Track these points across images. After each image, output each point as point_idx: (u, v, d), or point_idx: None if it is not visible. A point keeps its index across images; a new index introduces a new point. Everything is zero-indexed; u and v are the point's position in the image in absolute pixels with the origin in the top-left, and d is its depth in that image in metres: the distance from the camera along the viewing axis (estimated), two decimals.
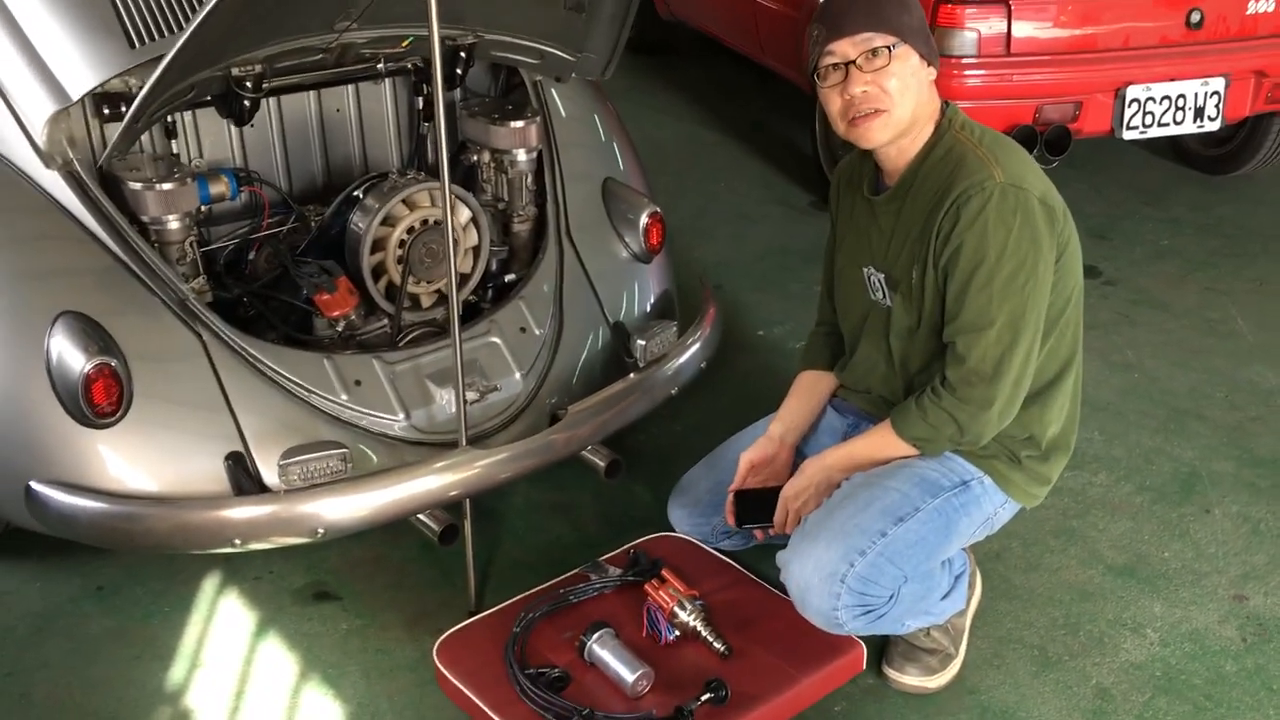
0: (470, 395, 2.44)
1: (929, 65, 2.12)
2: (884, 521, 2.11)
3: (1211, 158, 4.92)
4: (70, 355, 2.19)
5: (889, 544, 2.10)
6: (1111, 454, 3.03)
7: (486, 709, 2.13)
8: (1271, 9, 4.09)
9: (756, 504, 2.34)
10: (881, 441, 2.21)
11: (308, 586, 2.57)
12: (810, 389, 2.47)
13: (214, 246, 2.69)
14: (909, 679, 2.26)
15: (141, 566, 2.60)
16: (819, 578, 2.10)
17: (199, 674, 2.34)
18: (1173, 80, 4.01)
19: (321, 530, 2.20)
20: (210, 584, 2.58)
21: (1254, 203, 4.71)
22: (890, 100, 2.08)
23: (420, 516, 2.37)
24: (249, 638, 2.43)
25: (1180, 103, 4.06)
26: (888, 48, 2.06)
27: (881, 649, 2.31)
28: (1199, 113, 4.10)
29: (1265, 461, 3.01)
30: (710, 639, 2.24)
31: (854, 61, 2.07)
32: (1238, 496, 2.87)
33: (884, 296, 2.25)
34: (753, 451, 2.38)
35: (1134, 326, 3.72)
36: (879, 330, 2.28)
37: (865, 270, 2.29)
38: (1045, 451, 2.25)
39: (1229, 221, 4.53)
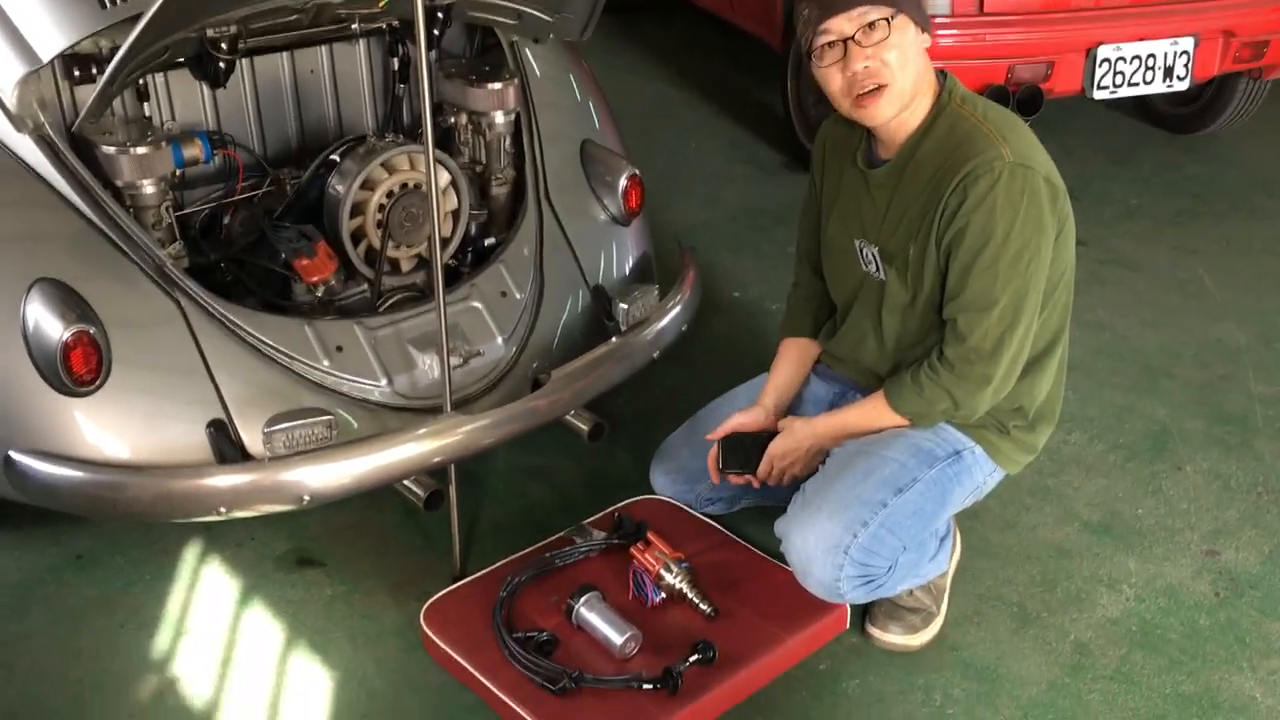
0: (453, 360, 2.42)
1: (923, 32, 2.09)
2: (884, 492, 2.13)
3: (1179, 117, 4.96)
4: (47, 323, 2.15)
5: (890, 515, 2.12)
6: (1085, 413, 3.07)
7: (476, 673, 2.14)
8: None
9: (740, 450, 2.35)
10: (874, 413, 2.22)
11: (290, 553, 2.56)
12: (798, 358, 2.46)
13: (188, 211, 2.64)
14: (892, 637, 2.29)
15: (120, 535, 2.58)
16: (822, 549, 2.11)
17: (184, 642, 2.33)
18: (1143, 40, 4.03)
19: (308, 497, 2.19)
20: (191, 552, 2.56)
21: (1221, 162, 4.76)
22: (892, 73, 2.05)
23: (405, 482, 2.37)
24: (233, 605, 2.42)
25: (1150, 62, 4.08)
26: (886, 19, 2.02)
27: (864, 608, 2.34)
28: (1168, 72, 4.12)
29: (1234, 419, 3.06)
30: (696, 601, 2.26)
31: (852, 37, 2.03)
32: (1208, 453, 2.92)
33: (877, 270, 2.24)
34: (746, 416, 2.38)
35: (1104, 286, 3.76)
36: (872, 304, 2.27)
37: (856, 242, 2.27)
38: (1032, 421, 2.27)
39: (1196, 180, 4.58)
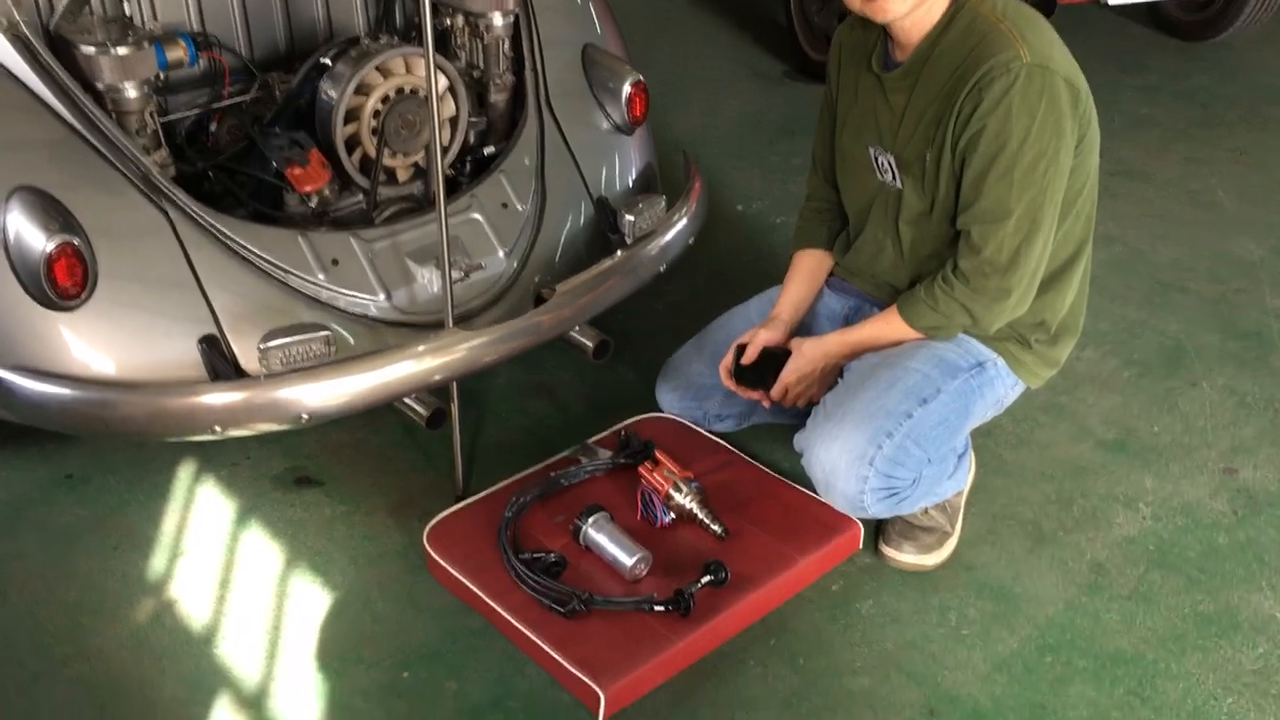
0: (454, 274, 2.33)
1: None
2: (909, 403, 2.07)
3: (1190, 23, 4.84)
4: (29, 234, 2.05)
5: (915, 426, 2.07)
6: (1098, 328, 3.01)
7: (482, 595, 2.09)
8: None
9: (756, 366, 2.28)
10: (888, 329, 2.16)
11: (288, 472, 2.49)
12: (812, 272, 2.39)
13: (173, 118, 2.52)
14: (906, 557, 2.24)
15: (111, 454, 2.51)
16: (846, 461, 2.06)
17: (181, 563, 2.27)
18: None
19: (306, 416, 2.11)
20: (185, 472, 2.49)
21: (1232, 71, 4.64)
22: None
23: (405, 400, 2.29)
24: (230, 525, 2.36)
25: None
26: None
27: (878, 528, 2.29)
28: None
29: (1249, 334, 3.00)
30: (707, 521, 2.21)
31: None
32: (1223, 369, 2.86)
33: (893, 179, 2.16)
34: (770, 332, 2.30)
35: (1115, 199, 3.67)
36: (888, 214, 2.19)
37: (871, 150, 2.18)
38: (1054, 335, 2.21)
39: (1207, 90, 4.47)
